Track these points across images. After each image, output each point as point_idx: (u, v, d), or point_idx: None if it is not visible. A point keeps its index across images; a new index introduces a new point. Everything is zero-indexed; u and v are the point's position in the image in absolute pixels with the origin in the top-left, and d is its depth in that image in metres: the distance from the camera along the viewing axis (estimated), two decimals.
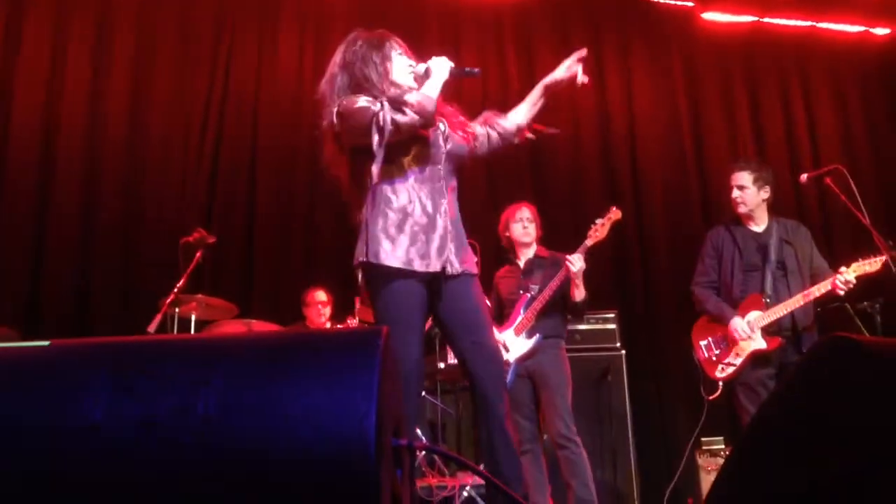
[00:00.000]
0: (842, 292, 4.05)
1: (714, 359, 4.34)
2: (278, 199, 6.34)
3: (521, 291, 4.61)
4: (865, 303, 4.84)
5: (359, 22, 6.61)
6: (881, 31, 7.74)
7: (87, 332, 5.50)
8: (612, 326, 5.63)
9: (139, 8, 6.37)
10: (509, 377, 4.38)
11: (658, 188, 7.00)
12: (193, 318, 5.14)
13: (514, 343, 4.51)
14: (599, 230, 4.50)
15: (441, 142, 3.07)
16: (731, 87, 7.42)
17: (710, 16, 7.46)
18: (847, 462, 1.17)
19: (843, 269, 4.06)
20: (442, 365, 5.36)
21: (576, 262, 4.40)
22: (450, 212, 3.01)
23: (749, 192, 4.40)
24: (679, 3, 7.42)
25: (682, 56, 7.39)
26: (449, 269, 2.94)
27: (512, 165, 6.57)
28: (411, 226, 2.93)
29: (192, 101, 6.34)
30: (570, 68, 3.19)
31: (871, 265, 4.03)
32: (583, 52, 3.18)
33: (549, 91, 3.24)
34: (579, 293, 4.49)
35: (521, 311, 4.54)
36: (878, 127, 7.53)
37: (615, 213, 4.55)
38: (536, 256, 4.74)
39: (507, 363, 4.40)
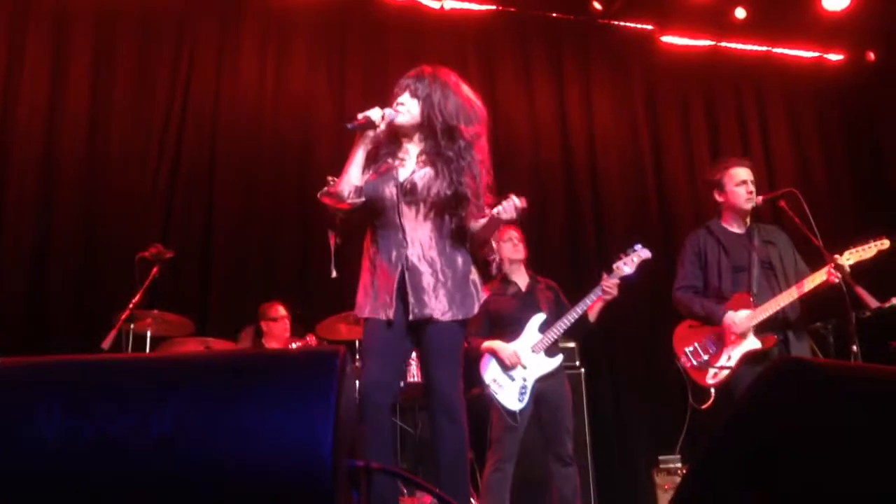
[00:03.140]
0: (837, 280, 3.86)
1: (703, 364, 4.11)
2: (237, 215, 6.24)
3: (528, 310, 4.57)
4: (818, 324, 4.88)
5: (320, 38, 6.71)
6: (834, 57, 7.95)
7: (40, 350, 5.36)
8: (572, 345, 5.64)
9: (97, 21, 6.24)
10: (528, 397, 4.38)
11: (618, 206, 7.07)
12: (149, 334, 5.05)
13: (534, 361, 4.47)
14: (629, 265, 4.47)
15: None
16: (689, 108, 7.56)
17: (670, 39, 7.58)
18: (799, 485, 1.18)
19: (836, 256, 3.91)
20: (401, 384, 5.31)
21: (615, 290, 4.44)
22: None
23: (755, 188, 4.28)
24: (639, 25, 7.53)
25: (642, 77, 7.50)
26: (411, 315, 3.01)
27: None
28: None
29: (151, 116, 6.21)
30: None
31: (866, 251, 3.91)
32: None
33: None
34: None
35: (538, 331, 4.51)
36: (831, 149, 7.73)
37: (645, 253, 4.50)
38: (533, 278, 4.76)
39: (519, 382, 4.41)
